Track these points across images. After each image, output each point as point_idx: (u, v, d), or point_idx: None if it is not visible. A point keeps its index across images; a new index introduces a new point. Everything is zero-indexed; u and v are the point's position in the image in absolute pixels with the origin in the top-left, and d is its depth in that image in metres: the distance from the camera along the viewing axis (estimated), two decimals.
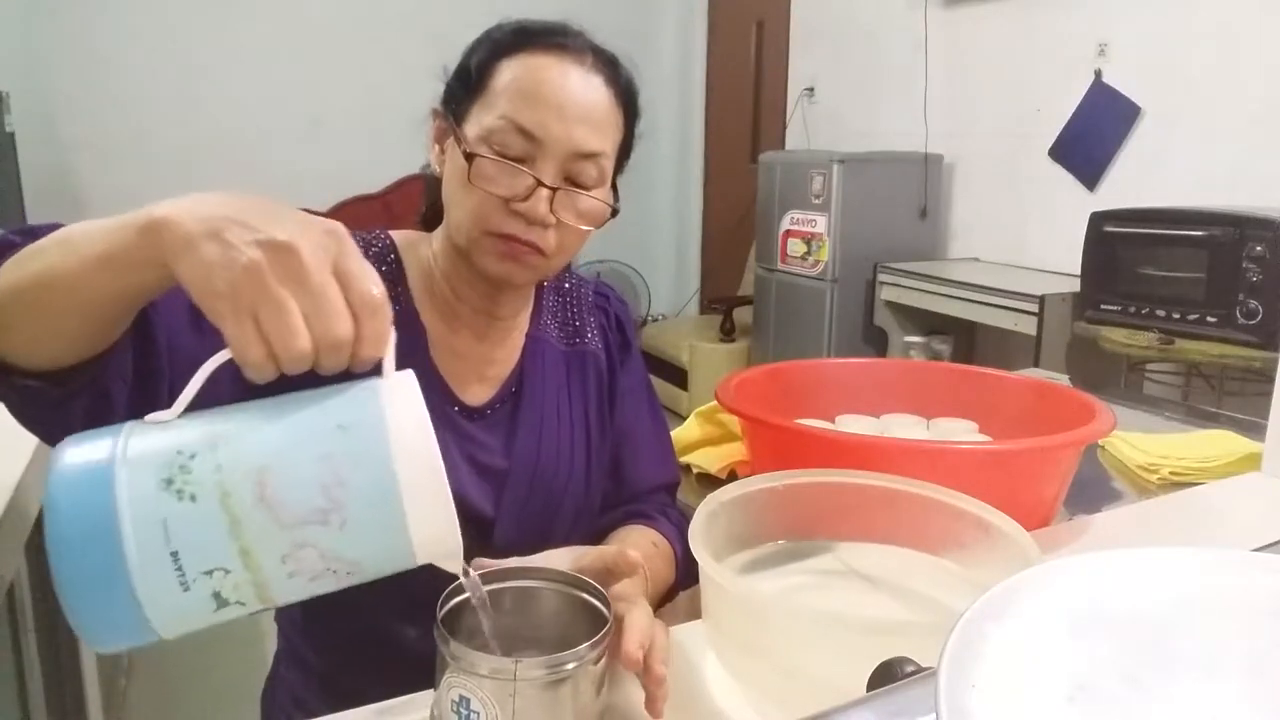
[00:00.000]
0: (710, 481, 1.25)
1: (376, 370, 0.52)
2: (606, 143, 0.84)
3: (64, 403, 0.62)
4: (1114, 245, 2.43)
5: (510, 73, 0.81)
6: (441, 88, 0.88)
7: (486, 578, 0.64)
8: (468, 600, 0.62)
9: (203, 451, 0.47)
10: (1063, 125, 3.09)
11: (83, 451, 0.47)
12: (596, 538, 0.94)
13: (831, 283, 3.36)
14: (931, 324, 3.12)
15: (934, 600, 0.75)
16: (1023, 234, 3.29)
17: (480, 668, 0.56)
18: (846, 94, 3.98)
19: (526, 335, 0.94)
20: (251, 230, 0.49)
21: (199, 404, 0.51)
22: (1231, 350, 2.19)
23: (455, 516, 0.50)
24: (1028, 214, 3.27)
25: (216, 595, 0.47)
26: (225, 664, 1.90)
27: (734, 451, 1.27)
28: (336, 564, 0.48)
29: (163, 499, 0.46)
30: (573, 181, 0.82)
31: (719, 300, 4.30)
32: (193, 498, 0.46)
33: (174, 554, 0.45)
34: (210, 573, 0.46)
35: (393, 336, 0.52)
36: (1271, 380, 1.04)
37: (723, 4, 4.76)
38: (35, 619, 1.29)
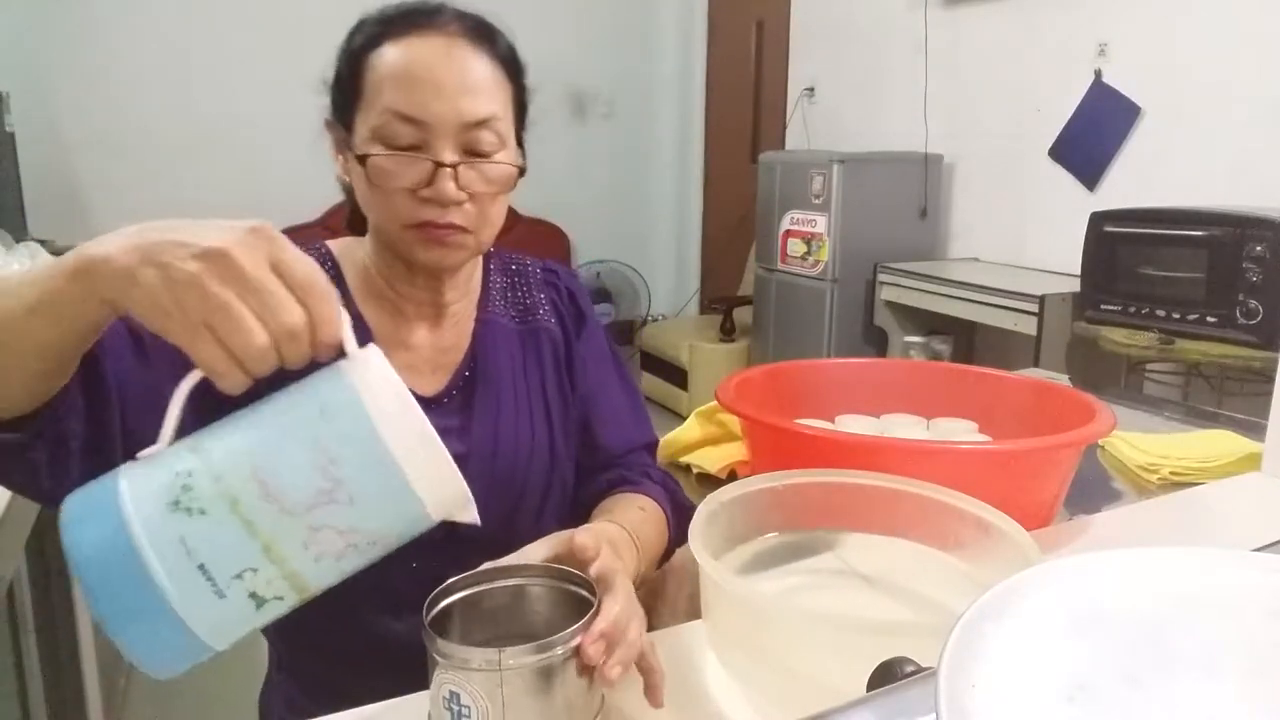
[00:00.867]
0: (710, 481, 1.25)
1: (341, 355, 0.53)
2: (494, 105, 0.82)
3: (24, 449, 0.62)
4: (1114, 245, 2.43)
5: (379, 66, 0.81)
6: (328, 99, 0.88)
7: (472, 580, 0.65)
8: (456, 601, 0.63)
9: (198, 469, 0.49)
10: (1063, 125, 3.09)
11: (88, 503, 0.49)
12: (578, 511, 0.94)
13: (831, 283, 3.36)
14: (931, 324, 3.12)
15: (934, 600, 0.75)
16: (1023, 234, 3.29)
17: (467, 661, 0.56)
18: (846, 94, 3.98)
19: (476, 319, 0.94)
20: (183, 246, 0.50)
21: (179, 435, 0.53)
22: (1231, 350, 2.19)
23: (454, 466, 0.52)
24: (1028, 214, 3.27)
25: (254, 595, 0.48)
26: (225, 664, 1.90)
27: (734, 451, 1.27)
28: (356, 538, 0.50)
29: (174, 520, 0.47)
30: (472, 152, 0.81)
31: (719, 300, 4.30)
32: (202, 511, 0.48)
33: (201, 567, 0.47)
34: (240, 575, 0.48)
35: (346, 317, 0.53)
36: (1271, 380, 1.04)
37: (723, 4, 4.76)
38: (35, 619, 1.29)
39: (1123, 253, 2.41)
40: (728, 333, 4.12)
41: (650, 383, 4.33)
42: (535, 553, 0.69)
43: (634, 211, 5.12)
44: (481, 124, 0.81)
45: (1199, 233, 2.25)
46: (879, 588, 0.78)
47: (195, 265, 0.49)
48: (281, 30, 4.19)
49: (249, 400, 0.52)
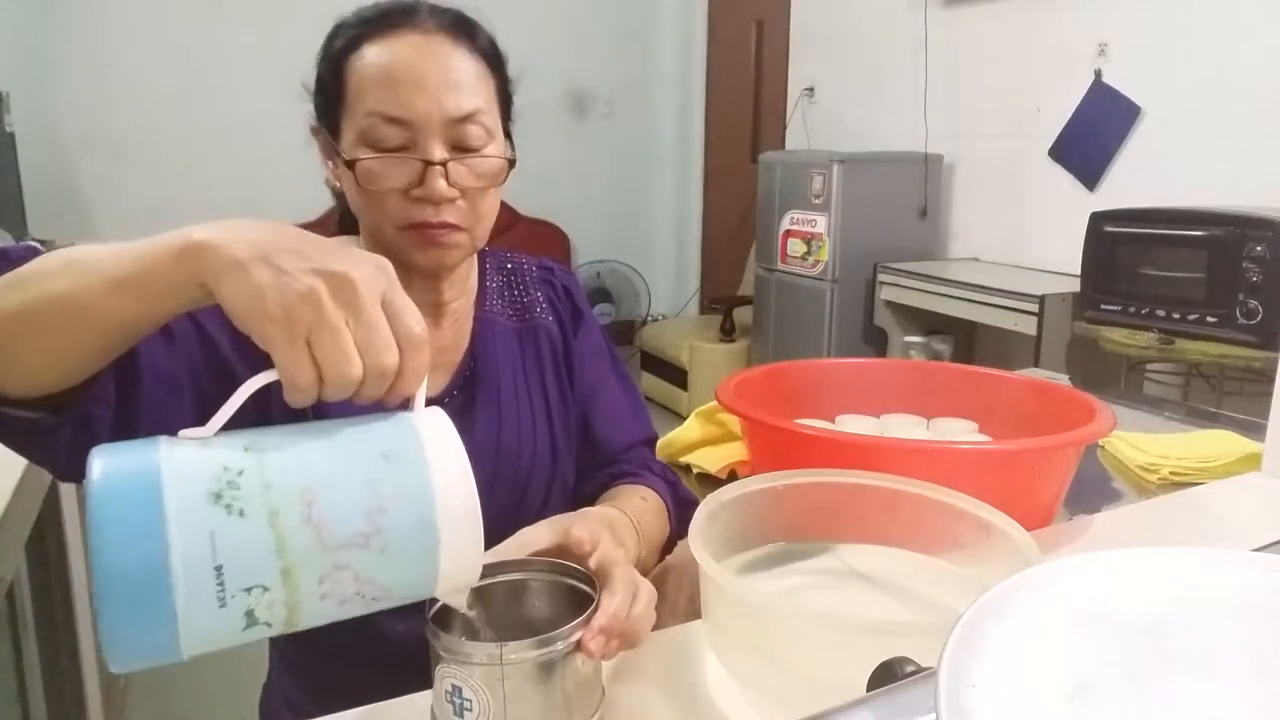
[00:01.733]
0: (710, 481, 1.25)
1: (403, 406, 0.53)
2: (479, 99, 0.82)
3: (53, 430, 0.62)
4: (1114, 245, 2.43)
5: (360, 68, 0.80)
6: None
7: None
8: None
9: (250, 468, 0.47)
10: (1063, 125, 3.09)
11: (125, 461, 0.47)
12: (579, 507, 0.94)
13: (831, 283, 3.37)
14: (931, 324, 3.12)
15: (934, 600, 0.75)
16: (1023, 234, 3.29)
17: (469, 656, 0.57)
18: (846, 94, 3.98)
19: (475, 318, 0.94)
20: (305, 259, 0.50)
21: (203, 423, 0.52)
22: (1231, 350, 2.19)
23: (482, 555, 0.52)
24: (1028, 214, 3.27)
25: (249, 614, 0.47)
26: (225, 664, 1.90)
27: (734, 451, 1.27)
28: (368, 588, 0.49)
29: (212, 512, 0.46)
30: (461, 147, 0.81)
31: (719, 300, 4.30)
32: (241, 513, 0.46)
33: (218, 568, 0.46)
34: (249, 590, 0.46)
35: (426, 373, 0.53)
36: (1271, 380, 1.04)
37: (723, 4, 4.76)
38: (35, 619, 1.29)
39: (1123, 253, 2.41)
40: (728, 333, 4.12)
41: (650, 383, 4.33)
42: (535, 536, 0.68)
43: (634, 211, 5.12)
44: (467, 119, 0.81)
45: (1199, 233, 2.25)
46: (879, 588, 0.78)
47: (316, 281, 0.49)
48: (282, 30, 4.19)
49: (291, 415, 0.53)
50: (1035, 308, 2.68)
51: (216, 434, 0.50)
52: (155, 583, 0.44)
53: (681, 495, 0.98)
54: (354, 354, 0.49)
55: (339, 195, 0.89)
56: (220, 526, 0.46)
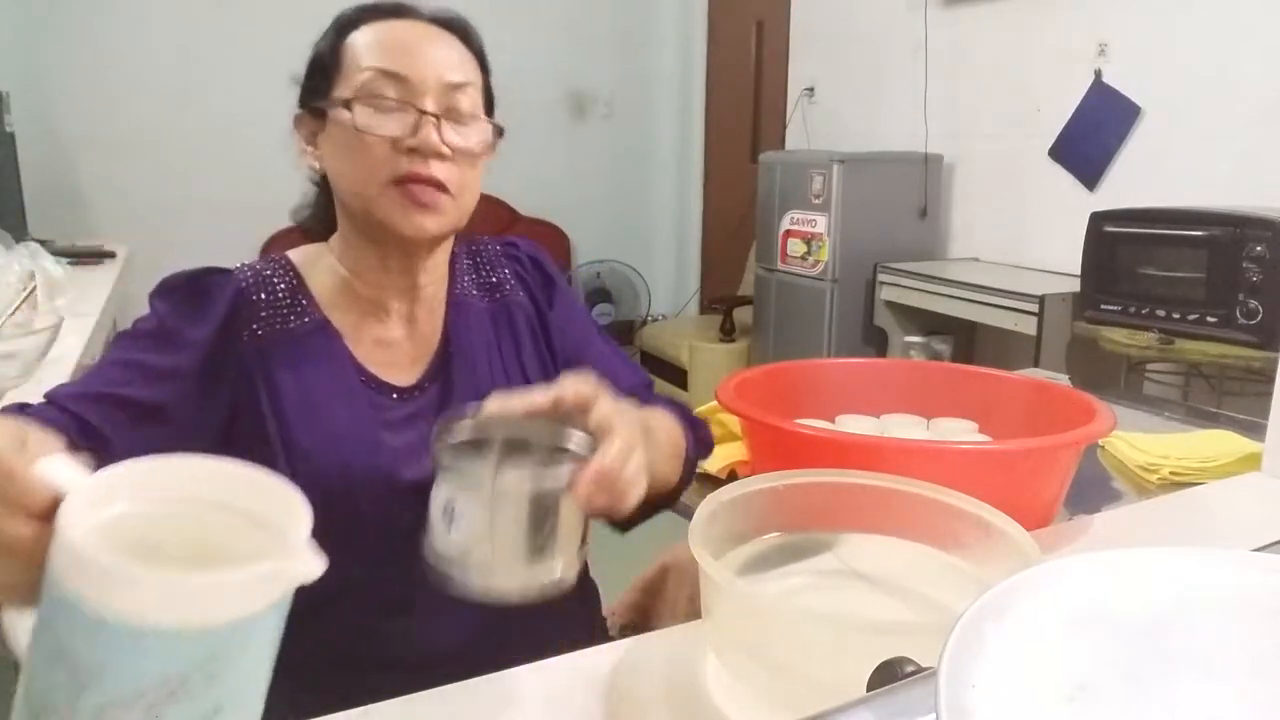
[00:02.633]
0: (710, 481, 1.25)
1: None
2: (470, 74, 0.87)
3: None
4: (1114, 245, 2.43)
5: (359, 40, 0.85)
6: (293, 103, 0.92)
7: (476, 428, 0.66)
8: (466, 426, 0.65)
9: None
10: (1063, 125, 3.09)
11: None
12: None
13: (831, 283, 3.36)
14: (931, 324, 3.12)
15: (934, 600, 0.75)
16: (1023, 234, 3.29)
17: (467, 475, 0.60)
18: (846, 94, 3.98)
19: (447, 302, 0.94)
20: None
21: None
22: (1231, 350, 2.19)
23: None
24: (1028, 214, 3.27)
25: None
26: None
27: (734, 451, 1.27)
28: (129, 704, 0.42)
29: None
30: (452, 112, 0.84)
31: (719, 300, 4.30)
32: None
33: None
34: None
35: (50, 464, 0.47)
36: (1271, 380, 1.04)
37: (723, 4, 4.76)
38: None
39: (1123, 253, 2.41)
40: (728, 333, 4.12)
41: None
42: (534, 397, 0.68)
43: (634, 211, 5.12)
44: (459, 87, 0.84)
45: (1199, 233, 2.25)
46: (879, 588, 0.78)
47: None
48: (281, 30, 4.18)
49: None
50: (1035, 308, 2.68)
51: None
52: None
53: (694, 420, 0.99)
54: None
55: (319, 184, 0.92)
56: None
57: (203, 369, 0.82)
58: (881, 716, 0.41)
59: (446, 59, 0.85)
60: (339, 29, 0.87)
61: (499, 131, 0.88)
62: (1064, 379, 1.56)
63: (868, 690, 0.46)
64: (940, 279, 3.05)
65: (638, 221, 5.14)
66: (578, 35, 4.76)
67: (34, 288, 1.57)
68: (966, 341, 3.29)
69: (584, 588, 1.04)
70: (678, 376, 4.14)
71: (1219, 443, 1.27)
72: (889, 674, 0.46)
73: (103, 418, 0.76)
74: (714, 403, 1.23)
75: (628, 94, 4.97)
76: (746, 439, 1.15)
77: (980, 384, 1.19)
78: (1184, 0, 2.73)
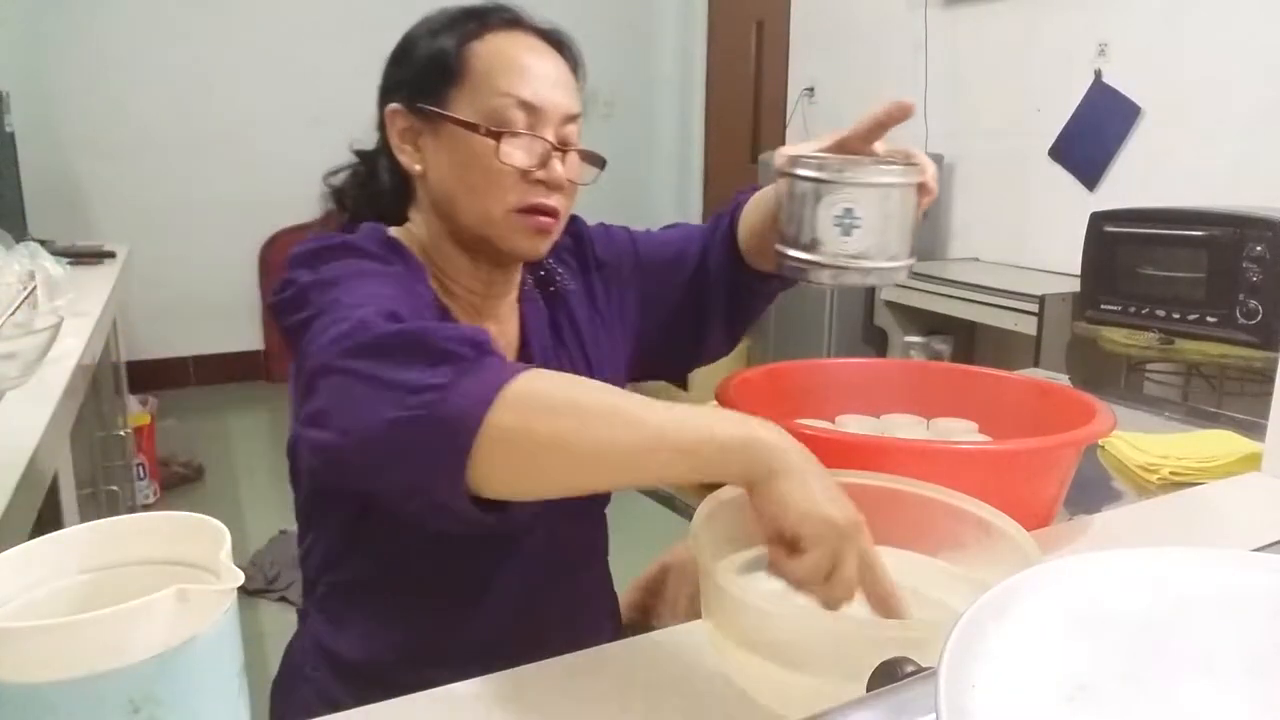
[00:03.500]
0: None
1: None
2: (579, 102, 0.89)
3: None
4: (1114, 245, 2.43)
5: (486, 54, 0.84)
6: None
7: (819, 163, 0.78)
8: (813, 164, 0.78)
9: None
10: (1063, 125, 3.09)
11: None
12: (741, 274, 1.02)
13: None
14: (931, 324, 3.11)
15: (934, 600, 0.75)
16: (1023, 234, 3.29)
17: (866, 177, 0.72)
18: (846, 94, 3.98)
19: (520, 301, 0.96)
20: (835, 490, 0.61)
21: None
22: (1231, 350, 2.19)
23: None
24: (1028, 214, 3.27)
25: None
26: None
27: None
28: None
29: None
30: (564, 143, 0.86)
31: None
32: None
33: None
34: None
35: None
36: (1271, 380, 1.04)
37: (723, 4, 4.76)
38: None
39: (1123, 253, 2.41)
40: None
41: (651, 383, 4.32)
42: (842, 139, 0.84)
43: (634, 211, 5.11)
44: (574, 118, 0.87)
45: (1199, 233, 2.25)
46: None
47: (857, 515, 0.60)
48: (281, 30, 4.19)
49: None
50: (1035, 308, 2.68)
51: None
52: None
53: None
54: (854, 584, 0.59)
55: (404, 180, 0.89)
56: None
57: None
58: (881, 716, 0.41)
59: (567, 86, 0.87)
60: (460, 33, 0.85)
61: (602, 163, 0.90)
62: (1064, 379, 1.56)
63: (868, 690, 0.46)
64: (940, 279, 3.05)
65: (638, 221, 5.10)
66: (578, 35, 4.74)
67: (34, 288, 1.57)
68: (966, 341, 3.29)
69: (610, 591, 1.05)
70: None
71: (1219, 443, 1.26)
72: (889, 674, 0.46)
73: None
74: (714, 402, 1.23)
75: (628, 94, 4.97)
76: None
77: (980, 384, 1.19)
78: (1184, 0, 2.73)
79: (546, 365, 0.92)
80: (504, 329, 0.93)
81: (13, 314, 1.37)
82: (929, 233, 3.50)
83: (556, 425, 0.59)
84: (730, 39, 4.71)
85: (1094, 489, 1.19)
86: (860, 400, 1.21)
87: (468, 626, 0.89)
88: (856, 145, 0.84)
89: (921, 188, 0.80)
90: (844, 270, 0.75)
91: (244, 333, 4.36)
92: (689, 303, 1.04)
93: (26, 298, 1.47)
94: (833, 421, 1.17)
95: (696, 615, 0.72)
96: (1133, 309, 2.38)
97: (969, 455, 0.96)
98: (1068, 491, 1.01)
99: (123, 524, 0.49)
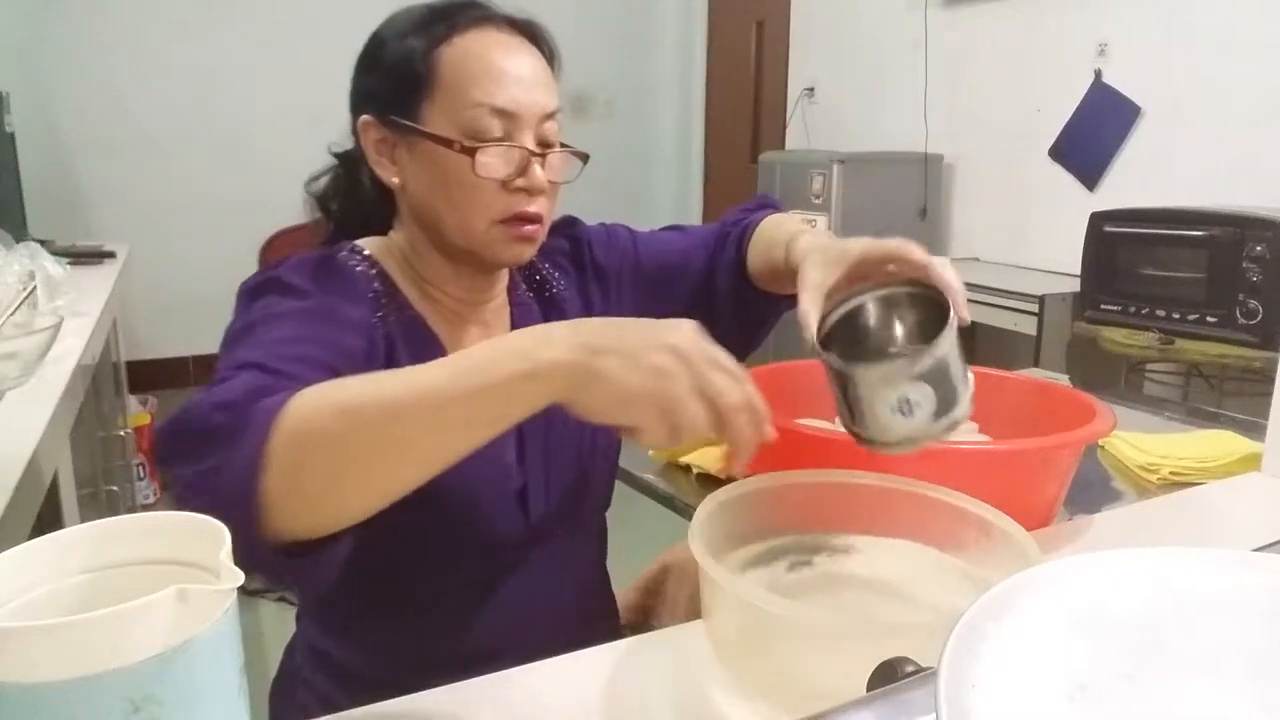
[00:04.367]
0: (710, 481, 1.25)
1: None
2: (556, 96, 0.85)
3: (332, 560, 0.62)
4: (1114, 245, 2.43)
5: (456, 60, 0.80)
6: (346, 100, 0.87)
7: (844, 300, 0.78)
8: (837, 324, 0.78)
9: None
10: (1063, 125, 3.09)
11: None
12: (741, 295, 1.00)
13: None
14: None
15: (934, 600, 0.75)
16: (1023, 234, 3.29)
17: (914, 365, 0.69)
18: (846, 94, 3.98)
19: (511, 304, 0.94)
20: (633, 343, 0.58)
21: None
22: (1231, 350, 2.19)
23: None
24: (1028, 214, 3.27)
25: None
26: None
27: None
28: None
29: None
30: (544, 143, 0.83)
31: None
32: None
33: None
34: None
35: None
36: (1271, 380, 1.04)
37: (723, 4, 4.76)
38: None
39: (1123, 253, 2.41)
40: None
41: None
42: (851, 252, 0.80)
43: (634, 211, 5.12)
44: (552, 116, 0.83)
45: (1199, 233, 2.25)
46: (879, 588, 0.78)
47: (660, 357, 0.57)
48: (281, 31, 4.19)
49: None
50: (1035, 308, 2.68)
51: None
52: None
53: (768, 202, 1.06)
54: (702, 410, 0.59)
55: (385, 193, 0.86)
56: None
57: (367, 351, 0.79)
58: (881, 716, 0.41)
59: (543, 82, 0.83)
60: (428, 38, 0.81)
61: (585, 158, 0.87)
62: (1064, 379, 1.56)
63: (868, 690, 0.46)
64: None
65: (638, 221, 5.11)
66: (578, 35, 4.75)
67: (34, 288, 1.57)
68: (966, 341, 3.28)
69: (609, 591, 1.05)
70: None
71: (1219, 443, 1.26)
72: (889, 674, 0.46)
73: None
74: None
75: (628, 94, 4.98)
76: None
77: (980, 384, 1.19)
78: (1184, 0, 2.73)
79: None
80: (490, 333, 0.92)
81: (13, 314, 1.37)
82: (929, 233, 3.50)
83: (338, 443, 0.57)
84: (730, 39, 4.71)
85: (1094, 489, 1.19)
86: None
87: (463, 636, 0.88)
88: (869, 269, 0.81)
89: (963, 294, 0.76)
90: (919, 441, 0.72)
91: None
92: (693, 315, 1.02)
93: (26, 298, 1.47)
94: (833, 422, 1.17)
95: (696, 615, 0.72)
96: (1133, 309, 2.38)
97: (969, 455, 0.96)
98: (1068, 491, 1.01)
99: (123, 524, 0.49)
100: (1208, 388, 2.48)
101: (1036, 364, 2.57)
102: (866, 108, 3.87)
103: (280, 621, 2.30)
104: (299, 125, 4.29)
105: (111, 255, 2.58)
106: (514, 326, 0.93)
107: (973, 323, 3.21)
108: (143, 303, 3.74)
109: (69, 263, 1.78)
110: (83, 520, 0.54)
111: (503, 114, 0.80)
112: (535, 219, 0.83)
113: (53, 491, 1.37)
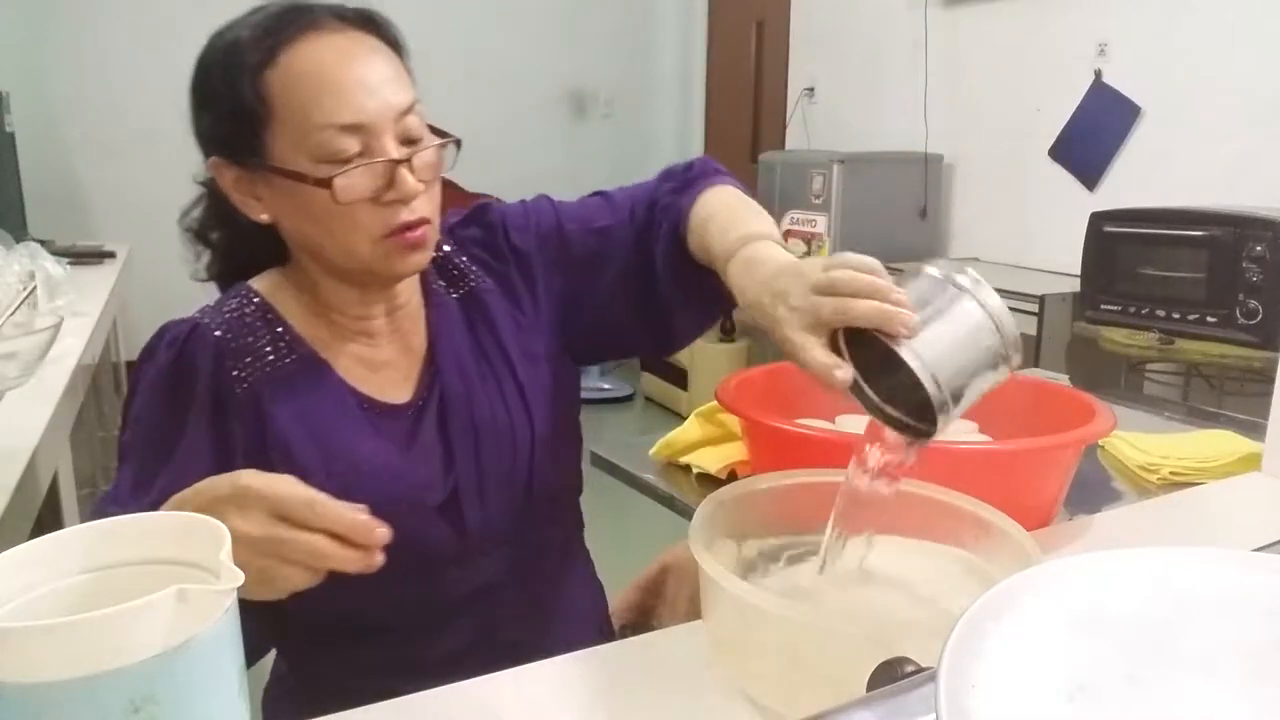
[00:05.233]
0: (710, 481, 1.25)
1: None
2: (408, 85, 0.80)
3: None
4: (1114, 245, 2.43)
5: (287, 83, 0.75)
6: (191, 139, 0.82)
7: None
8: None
9: None
10: (1063, 125, 3.09)
11: None
12: (660, 279, 0.90)
13: None
14: None
15: (934, 600, 0.75)
16: (1023, 234, 3.29)
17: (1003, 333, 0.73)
18: (846, 94, 3.98)
19: (426, 305, 0.90)
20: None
21: None
22: (1231, 350, 2.19)
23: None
24: (1028, 214, 3.27)
25: None
26: None
27: (734, 451, 1.27)
28: None
29: None
30: (407, 140, 0.78)
31: None
32: None
33: None
34: None
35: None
36: (1271, 380, 1.04)
37: (723, 4, 4.76)
38: None
39: (1123, 253, 2.41)
40: (728, 333, 4.11)
41: (650, 383, 4.33)
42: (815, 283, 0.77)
43: None
44: (409, 110, 0.78)
45: (1199, 233, 2.25)
46: (879, 588, 0.78)
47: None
48: None
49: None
50: (1035, 308, 2.67)
51: None
52: None
53: (711, 167, 0.96)
54: (290, 570, 0.61)
55: (258, 231, 0.81)
56: None
57: (219, 442, 0.79)
58: (881, 716, 0.41)
59: (389, 77, 0.77)
60: (253, 64, 0.75)
61: (458, 142, 0.82)
62: (1064, 379, 1.56)
63: (868, 690, 0.46)
64: None
65: None
66: (578, 35, 4.76)
67: (34, 288, 1.57)
68: None
69: (591, 589, 1.04)
70: (678, 376, 4.14)
71: (1219, 443, 1.27)
72: (889, 674, 0.46)
73: None
74: (714, 403, 1.23)
75: (628, 94, 4.97)
76: (746, 439, 1.15)
77: None
78: (1184, 0, 2.73)
79: (460, 369, 0.88)
80: (408, 343, 0.88)
81: (13, 314, 1.37)
82: (929, 233, 3.50)
83: None
84: (730, 39, 4.70)
85: (1094, 489, 1.19)
86: None
87: (438, 642, 0.87)
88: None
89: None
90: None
91: None
92: (633, 294, 0.93)
93: (26, 298, 1.48)
94: (833, 421, 1.17)
95: (696, 615, 0.72)
96: (1133, 309, 2.38)
97: (969, 455, 0.96)
98: (1068, 491, 1.01)
99: (123, 524, 0.49)
100: (1208, 388, 2.48)
101: (1036, 364, 2.57)
102: (866, 107, 3.87)
103: None
104: None
105: (111, 255, 2.59)
106: (431, 329, 0.89)
107: None
108: (143, 303, 3.74)
109: (69, 263, 1.78)
110: (83, 520, 0.54)
111: (353, 128, 0.74)
112: (419, 224, 0.78)
113: (53, 491, 1.37)
